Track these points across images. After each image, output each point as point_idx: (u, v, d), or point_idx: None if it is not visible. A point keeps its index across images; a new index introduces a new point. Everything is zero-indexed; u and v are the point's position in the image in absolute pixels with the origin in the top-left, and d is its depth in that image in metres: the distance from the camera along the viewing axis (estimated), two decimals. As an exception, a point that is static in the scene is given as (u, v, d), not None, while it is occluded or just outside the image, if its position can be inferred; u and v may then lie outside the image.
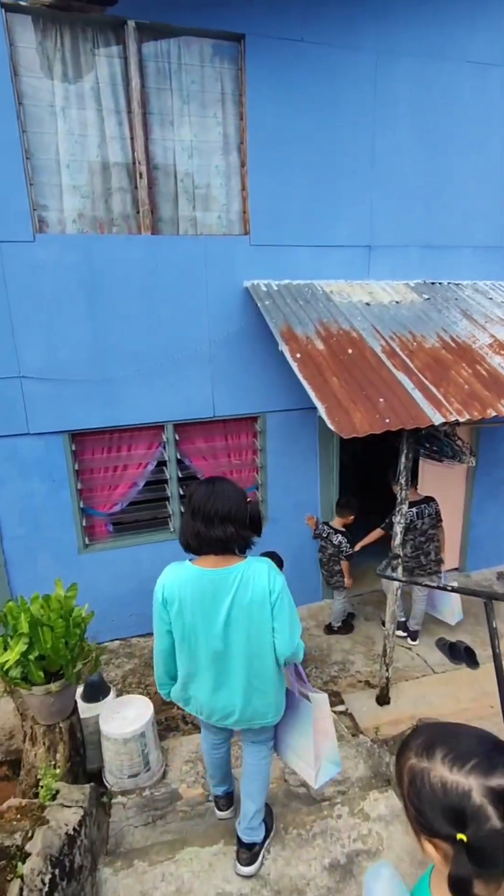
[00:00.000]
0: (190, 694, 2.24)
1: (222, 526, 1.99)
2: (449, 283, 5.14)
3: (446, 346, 4.13)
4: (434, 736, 0.99)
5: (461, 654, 4.81)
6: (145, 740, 3.15)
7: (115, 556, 4.85)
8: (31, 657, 2.76)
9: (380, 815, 2.41)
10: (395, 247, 4.91)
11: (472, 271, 5.27)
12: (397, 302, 4.64)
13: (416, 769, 0.96)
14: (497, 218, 5.19)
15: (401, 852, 2.27)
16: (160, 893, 2.27)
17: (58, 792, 2.46)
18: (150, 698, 4.32)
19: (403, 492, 3.82)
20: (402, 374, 3.74)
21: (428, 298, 4.76)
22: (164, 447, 4.76)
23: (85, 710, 3.44)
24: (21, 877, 1.89)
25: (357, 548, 4.86)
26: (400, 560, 3.95)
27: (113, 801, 2.89)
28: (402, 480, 3.78)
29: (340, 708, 4.16)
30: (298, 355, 3.77)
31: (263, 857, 2.38)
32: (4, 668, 2.74)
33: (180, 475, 4.84)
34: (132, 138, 4.07)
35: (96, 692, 3.53)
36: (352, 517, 4.83)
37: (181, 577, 2.06)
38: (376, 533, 4.77)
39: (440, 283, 5.10)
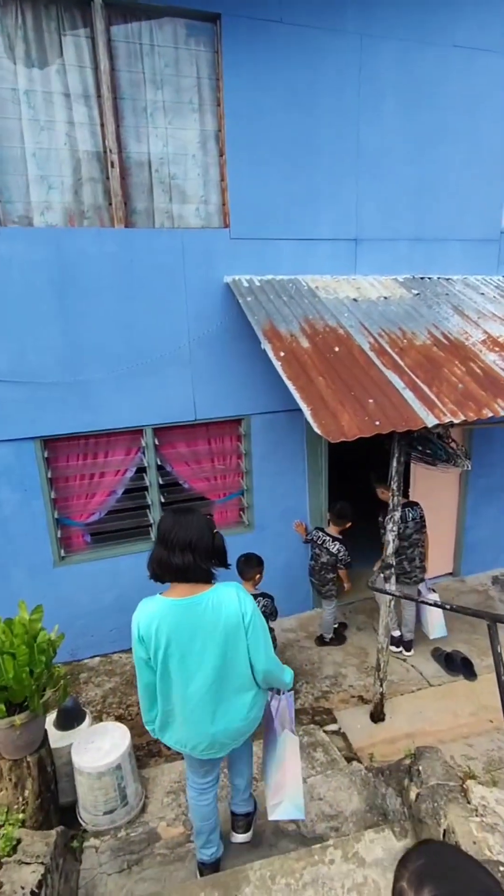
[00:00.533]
0: (173, 726, 2.22)
1: (181, 554, 2.03)
2: (439, 277, 4.95)
3: (438, 343, 3.93)
4: (430, 867, 0.97)
5: (458, 665, 4.61)
6: (122, 773, 2.90)
7: (94, 568, 4.59)
8: (-9, 689, 2.51)
9: (376, 859, 2.19)
10: (382, 240, 4.71)
11: (463, 266, 5.08)
12: (386, 297, 4.43)
13: None
14: (487, 210, 5.00)
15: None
16: None
17: (19, 842, 2.21)
18: (132, 720, 4.11)
19: (396, 497, 3.60)
20: (392, 372, 3.52)
21: (417, 294, 4.56)
22: (144, 453, 4.51)
23: (58, 738, 3.18)
24: None
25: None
26: (393, 570, 3.74)
27: (85, 844, 2.64)
28: (394, 486, 3.57)
29: (333, 727, 3.93)
30: (282, 354, 3.55)
31: (255, 823, 2.62)
32: (-39, 702, 2.48)
33: (161, 482, 4.60)
34: (102, 125, 3.82)
35: (70, 719, 3.27)
36: (349, 524, 4.62)
37: (153, 610, 2.08)
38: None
39: (430, 278, 4.91)
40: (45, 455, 4.22)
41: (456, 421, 3.18)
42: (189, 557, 2.03)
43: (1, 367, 3.89)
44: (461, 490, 5.75)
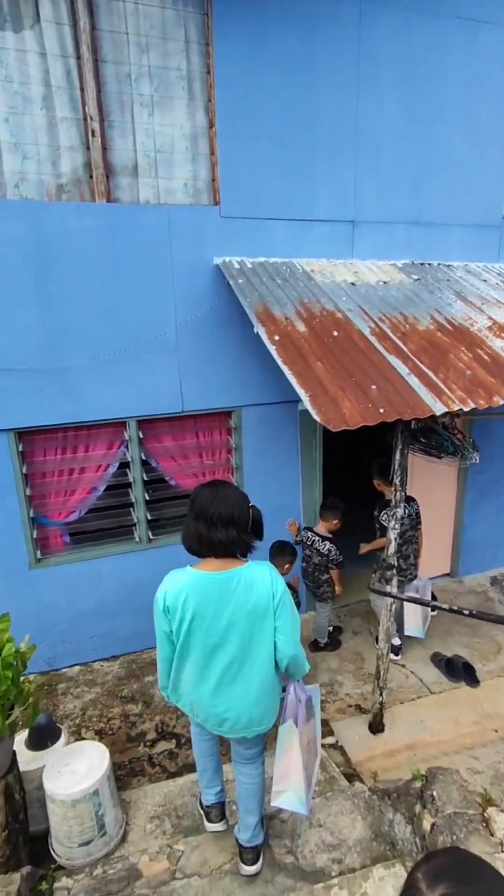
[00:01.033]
0: (189, 698, 2.22)
1: (224, 529, 2.01)
2: (439, 264, 4.71)
3: (442, 329, 3.68)
4: (451, 868, 0.93)
5: (459, 671, 4.38)
6: (99, 799, 2.60)
7: (74, 571, 4.27)
8: (-51, 709, 2.20)
9: (388, 899, 1.92)
10: (380, 223, 4.46)
11: (462, 252, 4.85)
12: (385, 282, 4.18)
13: (415, 890, 0.90)
14: (488, 195, 4.78)
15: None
16: None
17: (-23, 888, 1.91)
18: (113, 735, 3.81)
19: (399, 493, 3.34)
20: (395, 358, 3.27)
21: (418, 279, 4.31)
22: (127, 446, 4.21)
23: (30, 759, 2.87)
24: None
25: (364, 551, 4.42)
26: (395, 571, 3.48)
27: (56, 885, 2.33)
28: (398, 480, 3.31)
29: (330, 740, 3.67)
30: (277, 338, 3.28)
31: (264, 853, 2.46)
32: None
33: (146, 478, 4.30)
34: (82, 89, 3.52)
35: (43, 737, 2.95)
36: (337, 521, 4.34)
37: (183, 582, 2.04)
38: (382, 541, 4.31)
39: (429, 264, 4.67)
40: (20, 448, 3.90)
41: (465, 409, 2.94)
42: (233, 532, 2.01)
43: (-30, 351, 3.57)
44: (460, 486, 5.52)
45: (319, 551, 4.28)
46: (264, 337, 3.28)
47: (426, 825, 2.07)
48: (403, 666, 4.51)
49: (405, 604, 4.59)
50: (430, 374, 3.18)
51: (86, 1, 3.37)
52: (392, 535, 3.44)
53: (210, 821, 2.62)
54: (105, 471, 4.23)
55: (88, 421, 4.02)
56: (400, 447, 3.24)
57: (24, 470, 3.95)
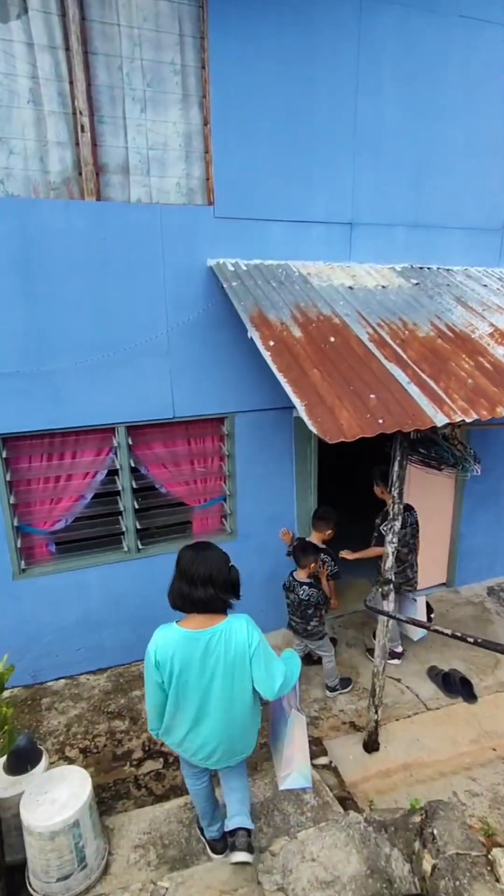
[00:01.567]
0: (176, 737, 2.41)
1: (204, 588, 2.21)
2: (438, 268, 4.60)
3: (442, 336, 3.57)
4: None
5: (456, 686, 4.26)
6: (80, 830, 2.46)
7: (59, 581, 4.12)
8: None
9: None
10: (379, 225, 4.34)
11: (462, 257, 4.74)
12: (384, 287, 4.06)
13: None
14: (489, 198, 4.67)
15: None
16: None
17: None
18: (98, 753, 3.66)
19: (397, 505, 3.22)
20: (394, 365, 3.15)
21: (417, 284, 4.20)
22: (116, 453, 4.06)
23: (8, 785, 2.74)
24: None
25: (351, 557, 4.22)
26: (392, 586, 3.36)
27: (30, 925, 2.20)
28: (396, 492, 3.19)
29: (323, 760, 3.53)
30: (271, 343, 3.15)
31: (253, 844, 2.56)
32: None
33: (135, 486, 4.15)
34: (71, 82, 3.38)
35: (23, 761, 2.81)
36: (330, 531, 4.19)
37: (170, 639, 2.25)
38: (375, 550, 4.17)
39: (429, 268, 4.55)
40: (4, 455, 3.76)
41: (468, 420, 2.82)
42: (210, 591, 2.21)
43: (-48, 353, 3.43)
44: (457, 495, 5.41)
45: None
46: (258, 342, 3.15)
47: (426, 866, 1.94)
48: (399, 680, 4.39)
49: (409, 609, 4.49)
50: (431, 382, 3.06)
51: (75, -10, 3.24)
52: (389, 548, 3.31)
53: (215, 851, 2.75)
54: (93, 478, 4.09)
55: (76, 427, 3.88)
56: (398, 458, 3.12)
57: (8, 477, 3.81)
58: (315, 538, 4.23)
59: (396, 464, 3.13)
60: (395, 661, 4.50)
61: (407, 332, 3.54)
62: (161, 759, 3.59)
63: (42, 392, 3.71)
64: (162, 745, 3.69)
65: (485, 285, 4.42)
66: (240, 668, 2.25)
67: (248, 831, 2.55)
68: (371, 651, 4.41)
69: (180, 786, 3.35)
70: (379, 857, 2.27)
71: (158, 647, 2.23)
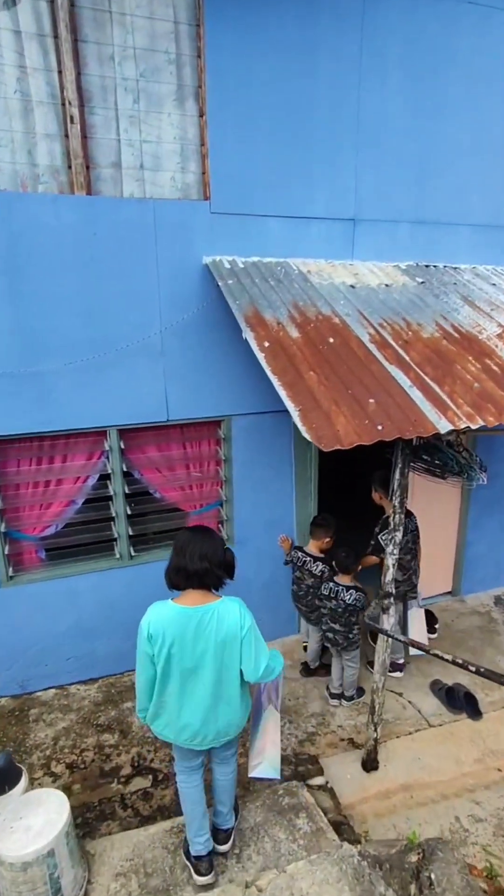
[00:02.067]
0: (164, 717, 2.45)
1: (200, 561, 2.32)
2: (445, 266, 4.42)
3: (448, 337, 3.40)
4: None
5: (460, 701, 4.09)
6: (55, 860, 2.32)
7: (49, 589, 3.99)
8: None
9: None
10: (382, 221, 4.17)
11: (469, 255, 4.56)
12: (387, 285, 3.90)
13: None
14: (499, 191, 4.49)
15: None
16: None
17: None
18: (85, 769, 3.53)
19: (398, 515, 3.06)
20: (396, 368, 2.99)
21: (422, 282, 4.03)
22: (108, 457, 3.93)
23: (-16, 806, 2.59)
24: None
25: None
26: (393, 599, 3.20)
27: None
28: (397, 501, 3.02)
29: (319, 780, 3.38)
30: (267, 344, 3.00)
31: (234, 835, 2.83)
32: None
33: (128, 491, 4.01)
34: (60, 72, 3.25)
35: (0, 782, 2.68)
36: (328, 539, 4.04)
37: (164, 614, 2.32)
38: (371, 559, 4.03)
39: (434, 266, 4.38)
40: (-9, 458, 3.64)
41: (473, 426, 2.66)
42: (206, 564, 2.32)
43: None
44: (462, 502, 5.23)
45: (312, 573, 3.99)
46: (253, 343, 3.00)
47: (422, 914, 1.79)
48: (401, 695, 4.23)
49: (411, 617, 4.32)
50: (435, 386, 2.89)
51: (64, -26, 3.10)
52: (390, 560, 3.15)
53: (199, 874, 2.63)
54: (84, 483, 3.95)
55: (65, 429, 3.74)
56: (400, 466, 2.96)
57: (-4, 481, 3.68)
58: (312, 546, 4.09)
59: (398, 472, 2.97)
60: (397, 674, 4.34)
61: (410, 332, 3.38)
62: (150, 776, 3.45)
63: (30, 393, 3.58)
64: (151, 761, 3.55)
65: (493, 284, 4.24)
66: (230, 648, 2.33)
67: (231, 828, 2.81)
68: (371, 664, 4.25)
69: (168, 806, 3.21)
70: (373, 896, 2.12)
71: (152, 621, 2.31)
